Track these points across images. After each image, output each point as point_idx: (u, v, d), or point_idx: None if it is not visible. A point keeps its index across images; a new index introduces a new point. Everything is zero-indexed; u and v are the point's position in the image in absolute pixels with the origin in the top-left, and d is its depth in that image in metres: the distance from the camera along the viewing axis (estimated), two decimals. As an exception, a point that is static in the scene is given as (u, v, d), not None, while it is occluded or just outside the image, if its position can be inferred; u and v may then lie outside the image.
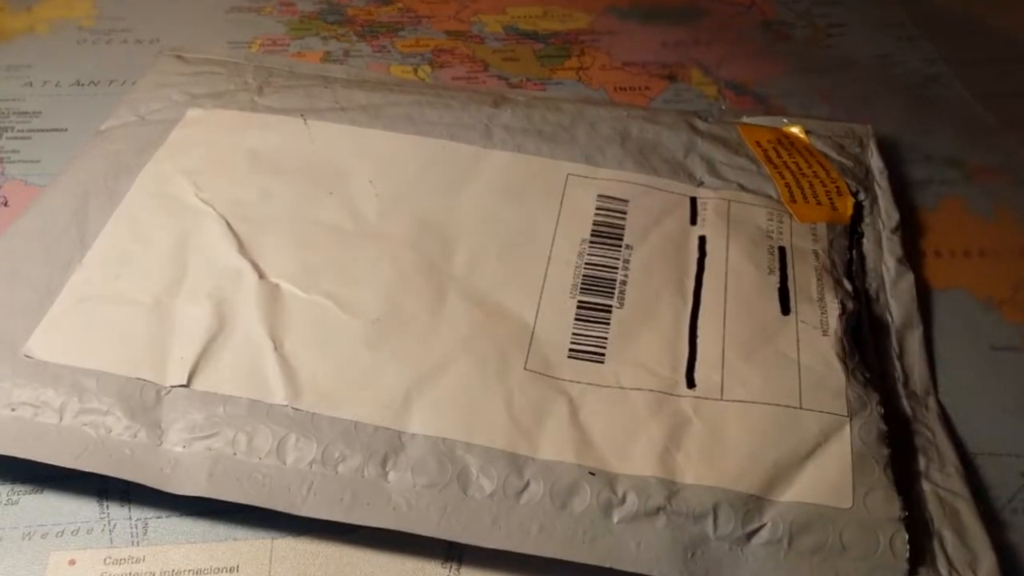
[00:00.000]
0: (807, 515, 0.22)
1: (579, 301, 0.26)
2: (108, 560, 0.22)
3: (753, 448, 0.23)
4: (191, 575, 0.22)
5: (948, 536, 0.22)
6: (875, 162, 0.32)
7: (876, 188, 0.32)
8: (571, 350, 0.25)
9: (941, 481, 0.24)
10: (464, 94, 0.33)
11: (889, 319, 0.28)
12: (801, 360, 0.25)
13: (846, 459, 0.22)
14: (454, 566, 0.22)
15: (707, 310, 0.26)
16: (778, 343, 0.25)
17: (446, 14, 0.42)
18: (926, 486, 0.23)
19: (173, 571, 0.22)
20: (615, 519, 0.22)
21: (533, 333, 0.25)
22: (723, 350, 0.25)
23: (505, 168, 0.30)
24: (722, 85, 0.38)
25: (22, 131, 0.34)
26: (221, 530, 0.23)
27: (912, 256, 0.30)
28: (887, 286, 0.29)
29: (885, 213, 0.31)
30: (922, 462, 0.24)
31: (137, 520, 0.23)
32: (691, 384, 0.24)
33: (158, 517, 0.23)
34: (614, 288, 0.26)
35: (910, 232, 0.31)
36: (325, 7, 0.42)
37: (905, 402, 0.26)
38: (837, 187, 0.31)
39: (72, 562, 0.22)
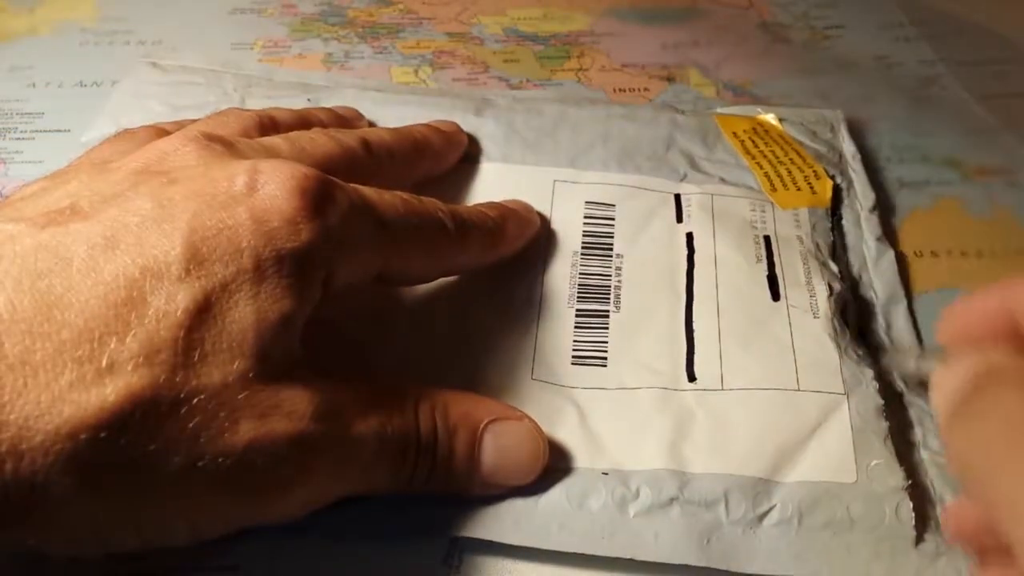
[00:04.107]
0: (814, 493, 0.22)
1: (577, 309, 0.26)
2: (111, 558, 0.22)
3: (757, 433, 0.23)
4: (193, 574, 0.22)
5: (950, 500, 0.23)
6: (847, 146, 0.33)
7: (851, 171, 0.32)
8: (574, 357, 0.25)
9: (938, 448, 0.24)
10: (447, 100, 0.33)
11: (874, 295, 0.29)
12: (795, 343, 0.25)
13: (847, 435, 0.23)
14: (455, 564, 0.22)
15: (701, 304, 0.26)
16: (771, 329, 0.26)
17: (447, 16, 0.42)
18: (925, 454, 0.24)
19: (175, 569, 0.22)
20: (631, 513, 0.22)
21: (536, 343, 0.26)
22: (720, 341, 0.25)
23: (495, 180, 0.30)
24: (721, 86, 0.38)
25: (25, 132, 0.34)
26: (222, 529, 0.23)
27: (909, 256, 0.30)
28: (869, 264, 0.29)
29: (861, 194, 0.31)
30: (919, 432, 0.25)
31: (139, 518, 0.23)
32: (692, 378, 0.25)
33: (160, 515, 0.23)
34: (609, 294, 0.27)
35: (908, 232, 0.31)
36: (326, 8, 0.42)
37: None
38: (814, 171, 0.31)
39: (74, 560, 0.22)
